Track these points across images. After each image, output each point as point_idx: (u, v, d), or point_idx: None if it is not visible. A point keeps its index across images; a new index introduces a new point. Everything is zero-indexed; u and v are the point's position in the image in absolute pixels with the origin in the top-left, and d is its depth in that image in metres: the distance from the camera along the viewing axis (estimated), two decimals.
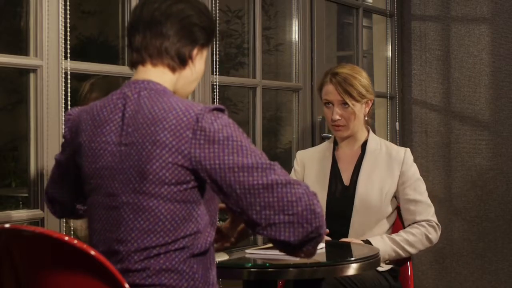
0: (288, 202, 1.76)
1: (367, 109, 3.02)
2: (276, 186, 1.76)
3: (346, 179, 3.01)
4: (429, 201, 2.99)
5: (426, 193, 3.00)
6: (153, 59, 1.93)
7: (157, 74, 1.92)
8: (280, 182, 1.76)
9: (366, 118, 3.04)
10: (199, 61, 1.99)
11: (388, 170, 2.98)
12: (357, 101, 2.95)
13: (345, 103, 2.95)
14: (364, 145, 3.04)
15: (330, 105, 2.99)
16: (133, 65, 1.97)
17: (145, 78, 1.91)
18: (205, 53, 2.00)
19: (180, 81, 1.96)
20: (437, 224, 2.97)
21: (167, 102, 1.84)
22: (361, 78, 2.98)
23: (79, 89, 3.22)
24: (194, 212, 1.84)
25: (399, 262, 3.00)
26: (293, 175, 3.11)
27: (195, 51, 1.95)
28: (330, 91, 2.97)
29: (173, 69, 1.94)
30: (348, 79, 2.95)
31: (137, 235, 1.83)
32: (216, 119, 1.81)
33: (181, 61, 1.93)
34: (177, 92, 1.97)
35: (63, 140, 2.05)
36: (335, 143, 3.10)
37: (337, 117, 2.96)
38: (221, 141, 1.78)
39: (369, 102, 3.01)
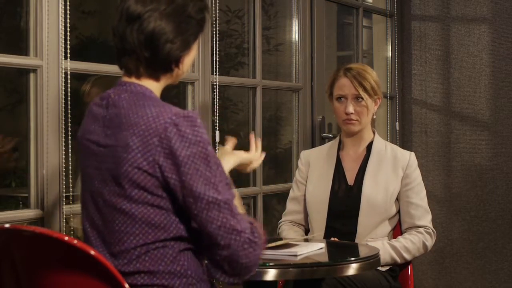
0: (220, 243, 1.79)
1: (376, 108, 3.04)
2: (217, 227, 1.78)
3: (350, 179, 3.01)
4: (428, 207, 3.01)
5: (426, 199, 3.02)
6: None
7: (141, 82, 1.93)
8: (223, 225, 1.77)
9: (374, 117, 3.05)
10: (187, 59, 1.96)
11: (393, 171, 2.98)
12: (370, 95, 2.97)
13: (359, 98, 2.96)
14: (369, 146, 3.05)
15: (343, 99, 2.99)
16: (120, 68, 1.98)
17: (132, 81, 1.92)
18: (194, 47, 1.97)
19: (168, 80, 1.97)
20: (433, 231, 2.98)
21: (142, 106, 1.84)
22: (373, 74, 3.00)
23: (79, 89, 3.22)
24: (170, 218, 1.83)
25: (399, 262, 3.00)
26: (297, 175, 3.11)
27: (182, 58, 1.94)
28: (345, 84, 2.98)
29: (157, 79, 1.94)
30: (361, 73, 2.99)
31: (118, 237, 1.84)
32: (186, 129, 1.79)
33: (166, 70, 1.94)
34: (169, 84, 1.98)
35: None
36: (340, 143, 3.10)
37: (351, 110, 2.96)
38: (183, 159, 1.77)
39: (378, 100, 3.03)
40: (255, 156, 2.30)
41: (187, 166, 1.77)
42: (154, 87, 1.93)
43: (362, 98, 2.96)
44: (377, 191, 2.94)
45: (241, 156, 2.24)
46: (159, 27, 1.87)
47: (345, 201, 2.97)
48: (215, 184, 1.79)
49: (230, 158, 2.19)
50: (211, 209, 1.77)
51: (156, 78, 1.93)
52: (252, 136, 2.35)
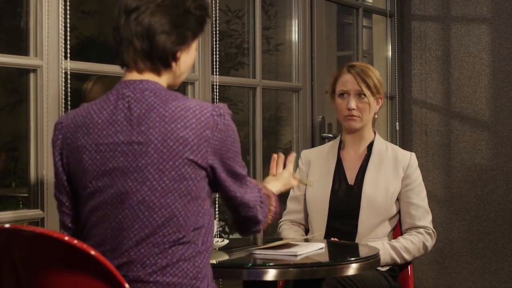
0: (249, 207, 2.04)
1: (377, 108, 3.04)
2: (251, 196, 2.03)
3: (350, 178, 3.01)
4: (428, 208, 3.01)
5: (426, 200, 3.02)
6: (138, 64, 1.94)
7: (143, 77, 1.92)
8: (252, 195, 2.03)
9: (375, 116, 3.05)
10: (185, 57, 1.97)
11: (393, 171, 2.98)
12: (372, 93, 2.97)
13: (362, 94, 2.97)
14: (370, 146, 3.04)
15: (345, 95, 2.99)
16: (121, 66, 1.97)
17: (139, 78, 1.91)
18: (193, 46, 1.99)
19: (169, 78, 1.97)
20: (433, 232, 2.98)
21: (174, 99, 1.88)
22: (376, 73, 3.02)
23: (79, 89, 3.22)
24: (201, 207, 1.89)
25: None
26: (297, 174, 3.11)
27: (179, 53, 1.94)
28: (348, 80, 2.99)
29: (158, 73, 1.94)
30: (365, 70, 3.00)
31: (150, 231, 1.84)
32: (228, 119, 1.92)
33: (164, 64, 1.94)
34: (168, 86, 1.98)
35: (56, 148, 1.96)
36: (340, 143, 3.10)
37: (353, 105, 2.96)
38: (228, 146, 1.92)
39: (379, 100, 3.03)
40: (287, 174, 2.57)
41: (231, 151, 1.92)
42: (157, 81, 1.93)
43: (365, 95, 2.97)
44: (377, 191, 2.94)
45: (284, 177, 2.55)
46: (156, 18, 1.88)
47: (345, 201, 2.97)
48: (242, 163, 1.98)
49: (276, 183, 2.51)
50: (245, 183, 1.99)
51: (158, 73, 1.93)
52: (274, 158, 2.61)
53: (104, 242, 1.88)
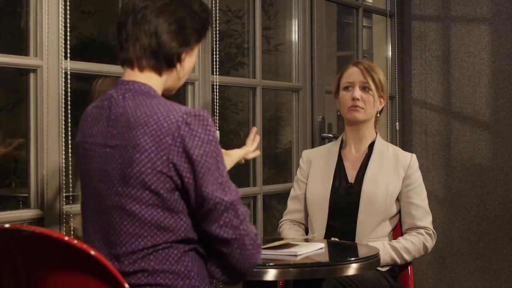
0: (222, 241, 1.83)
1: (380, 107, 3.04)
2: (219, 226, 1.81)
3: (351, 177, 3.01)
4: (428, 209, 3.01)
5: (427, 201, 3.02)
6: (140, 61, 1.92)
7: (144, 75, 1.92)
8: (225, 225, 1.81)
9: (378, 115, 3.06)
10: (188, 60, 1.97)
11: (394, 171, 2.98)
12: (377, 88, 2.98)
13: (366, 87, 2.97)
14: (371, 146, 3.05)
15: (350, 88, 3.00)
16: (122, 64, 1.97)
17: (131, 79, 1.91)
18: (195, 49, 1.99)
19: (169, 80, 1.96)
20: (433, 232, 2.98)
21: (149, 105, 1.84)
22: (381, 72, 3.06)
23: (79, 89, 3.23)
24: (182, 222, 1.84)
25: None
26: (298, 173, 3.11)
27: (183, 54, 1.94)
28: (354, 72, 3.01)
29: (159, 72, 1.93)
30: (372, 66, 3.04)
31: (125, 239, 1.83)
32: (193, 128, 1.81)
33: (168, 64, 1.93)
34: (166, 89, 1.97)
35: None
36: (342, 142, 3.10)
37: (358, 95, 2.97)
38: (196, 158, 1.79)
39: (382, 100, 3.03)
40: (249, 150, 2.36)
41: (200, 165, 1.79)
42: (157, 82, 1.92)
43: (370, 88, 2.97)
44: (377, 189, 2.94)
45: (237, 156, 2.32)
46: (164, 17, 1.89)
47: (345, 199, 2.97)
48: (222, 184, 1.82)
49: (226, 160, 2.17)
50: (217, 210, 1.81)
51: (159, 72, 1.92)
52: (253, 130, 2.42)
53: (93, 245, 1.88)
